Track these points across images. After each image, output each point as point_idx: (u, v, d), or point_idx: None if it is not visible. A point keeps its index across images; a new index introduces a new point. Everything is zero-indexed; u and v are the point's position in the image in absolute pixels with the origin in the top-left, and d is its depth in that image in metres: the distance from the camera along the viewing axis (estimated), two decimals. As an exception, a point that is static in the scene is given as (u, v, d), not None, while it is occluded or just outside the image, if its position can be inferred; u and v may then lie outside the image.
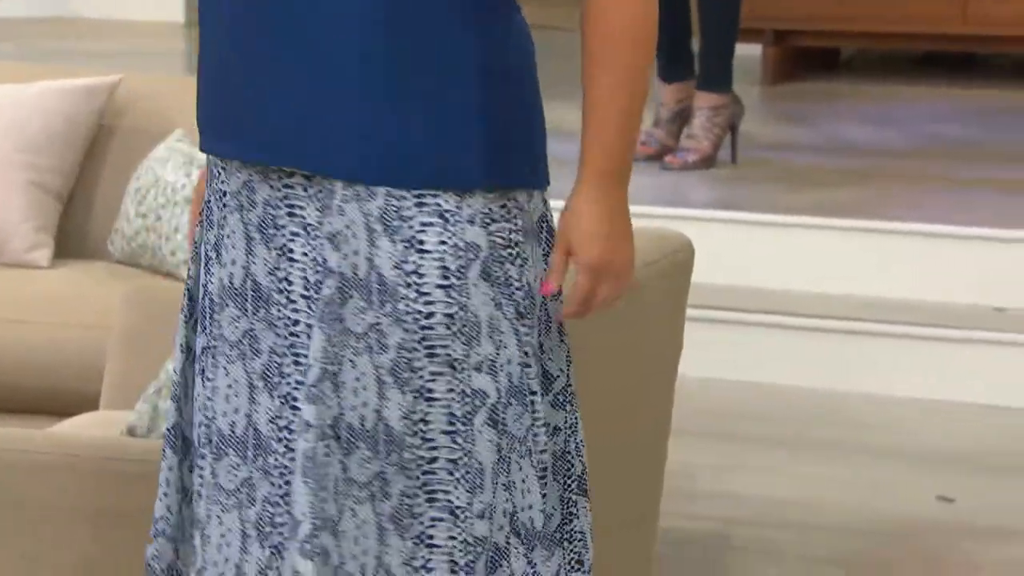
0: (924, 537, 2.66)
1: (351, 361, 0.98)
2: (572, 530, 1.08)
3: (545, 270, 1.02)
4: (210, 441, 1.06)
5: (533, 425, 1.00)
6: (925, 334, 3.38)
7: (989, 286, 3.43)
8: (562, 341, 1.06)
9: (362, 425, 0.98)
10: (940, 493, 2.79)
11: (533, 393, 1.00)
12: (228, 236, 1.04)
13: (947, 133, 4.64)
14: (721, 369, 3.31)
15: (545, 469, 1.01)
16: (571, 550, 1.07)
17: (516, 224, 0.99)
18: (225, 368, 1.05)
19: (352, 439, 0.99)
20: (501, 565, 0.99)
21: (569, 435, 1.07)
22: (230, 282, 1.04)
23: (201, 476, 1.07)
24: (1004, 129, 4.67)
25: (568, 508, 1.07)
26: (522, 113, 0.98)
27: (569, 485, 1.07)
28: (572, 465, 1.07)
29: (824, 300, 3.52)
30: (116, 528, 1.44)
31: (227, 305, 1.05)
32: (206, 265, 1.08)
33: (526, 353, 0.98)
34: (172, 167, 2.73)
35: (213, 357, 1.06)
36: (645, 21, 0.93)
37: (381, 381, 0.97)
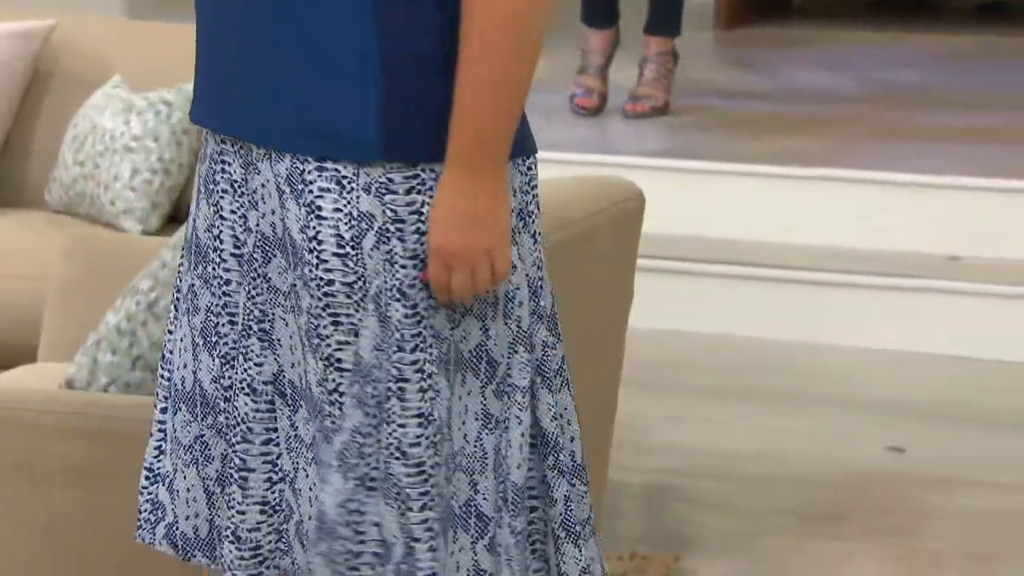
0: (876, 488, 2.66)
1: (282, 319, 1.00)
2: (494, 539, 1.00)
3: None
4: (169, 394, 1.09)
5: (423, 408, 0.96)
6: (879, 283, 3.37)
7: (944, 235, 3.42)
8: (507, 325, 0.99)
9: (301, 383, 0.99)
10: (892, 444, 2.80)
11: (429, 375, 0.96)
12: (195, 187, 1.09)
13: (902, 79, 4.61)
14: (673, 320, 3.28)
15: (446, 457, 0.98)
16: (495, 563, 1.00)
17: (429, 197, 0.95)
18: (180, 321, 1.08)
19: (296, 396, 1.00)
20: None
21: (504, 431, 0.99)
22: (185, 232, 1.10)
23: (163, 429, 1.10)
24: (959, 75, 4.64)
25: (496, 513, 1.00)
26: (432, 90, 0.95)
27: (501, 489, 0.99)
28: (502, 467, 0.99)
29: (778, 250, 3.49)
30: (54, 481, 1.44)
31: (182, 257, 1.09)
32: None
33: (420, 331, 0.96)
34: (110, 114, 2.66)
35: (176, 308, 1.10)
36: (531, 13, 0.90)
37: (302, 342, 0.98)
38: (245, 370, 1.00)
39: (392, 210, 0.94)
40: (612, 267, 1.91)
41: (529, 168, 1.02)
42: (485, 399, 0.99)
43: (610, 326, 1.96)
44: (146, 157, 2.63)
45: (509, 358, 0.99)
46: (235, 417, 1.01)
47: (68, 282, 2.07)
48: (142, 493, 1.13)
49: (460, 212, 0.92)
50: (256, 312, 1.00)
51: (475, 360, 0.98)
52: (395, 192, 0.94)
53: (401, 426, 0.95)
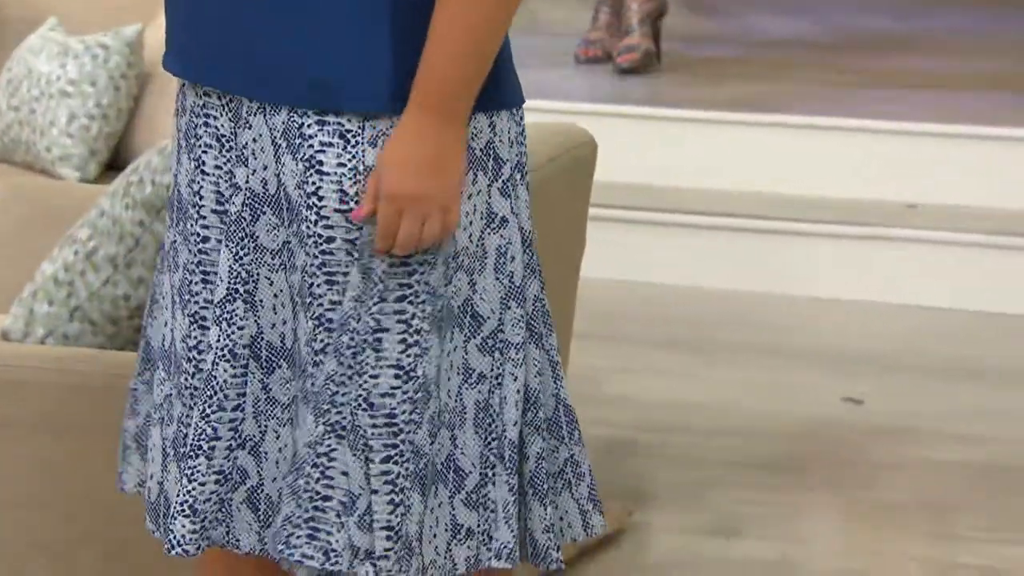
0: (832, 439, 2.63)
1: (267, 279, 0.96)
2: (486, 496, 0.98)
3: (489, 201, 0.97)
4: (148, 354, 1.09)
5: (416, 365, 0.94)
6: (836, 232, 3.33)
7: (901, 182, 3.38)
8: (498, 280, 0.98)
9: (282, 344, 0.97)
10: (849, 395, 2.77)
11: (417, 331, 0.93)
12: (173, 140, 1.04)
13: (861, 24, 4.59)
14: (626, 271, 3.23)
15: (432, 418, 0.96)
16: (484, 519, 0.98)
17: None
18: (162, 279, 1.07)
19: (272, 358, 0.97)
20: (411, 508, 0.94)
21: (494, 386, 0.98)
22: (169, 189, 1.06)
23: (144, 387, 1.10)
24: (918, 20, 4.62)
25: (485, 469, 0.98)
26: None
27: (490, 443, 0.98)
28: (494, 422, 0.98)
29: (734, 198, 3.45)
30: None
31: (166, 213, 1.09)
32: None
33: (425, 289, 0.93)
34: (46, 57, 2.63)
35: (161, 263, 1.08)
36: None
37: (293, 301, 0.95)
38: (228, 335, 0.96)
39: None
40: (564, 216, 1.88)
41: (521, 118, 1.00)
42: (467, 353, 0.97)
43: (562, 276, 1.92)
44: (83, 102, 2.60)
45: (502, 314, 0.97)
46: (212, 386, 0.97)
47: (3, 231, 2.08)
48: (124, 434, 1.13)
49: (422, 159, 0.88)
50: (243, 274, 0.96)
51: (461, 315, 0.96)
52: None
53: (373, 377, 0.92)
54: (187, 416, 0.99)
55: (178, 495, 0.97)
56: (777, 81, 3.93)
